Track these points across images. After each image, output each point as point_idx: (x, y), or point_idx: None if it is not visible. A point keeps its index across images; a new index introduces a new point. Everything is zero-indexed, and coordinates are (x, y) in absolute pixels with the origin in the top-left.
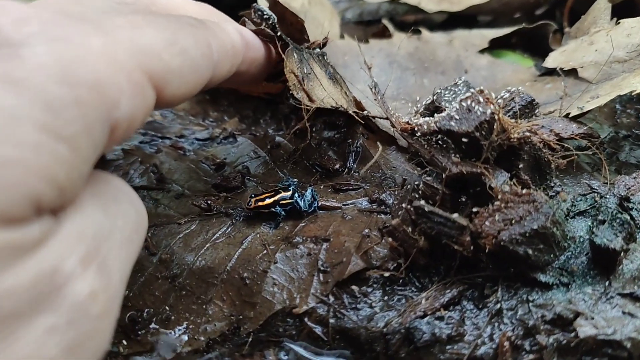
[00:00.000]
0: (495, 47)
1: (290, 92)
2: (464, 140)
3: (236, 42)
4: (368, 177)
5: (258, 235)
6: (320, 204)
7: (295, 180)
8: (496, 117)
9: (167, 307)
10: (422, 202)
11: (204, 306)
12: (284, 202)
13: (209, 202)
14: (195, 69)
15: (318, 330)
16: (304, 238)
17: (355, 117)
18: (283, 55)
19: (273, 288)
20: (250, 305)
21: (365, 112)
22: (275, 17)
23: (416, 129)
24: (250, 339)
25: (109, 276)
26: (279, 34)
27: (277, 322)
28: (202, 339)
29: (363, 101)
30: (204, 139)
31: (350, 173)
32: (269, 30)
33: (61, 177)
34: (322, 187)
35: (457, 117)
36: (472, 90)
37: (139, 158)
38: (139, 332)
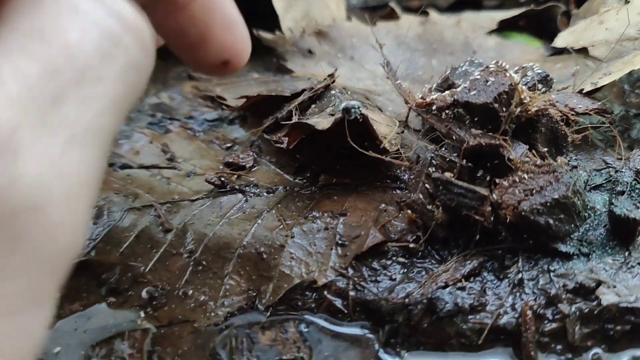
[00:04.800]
0: (503, 29)
1: None
2: (482, 111)
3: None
4: None
5: (274, 211)
6: (334, 180)
7: None
8: (516, 88)
9: (184, 283)
10: (446, 173)
11: (221, 281)
12: None
13: (222, 179)
14: None
15: (338, 302)
16: (321, 213)
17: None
18: None
19: (291, 262)
20: (268, 280)
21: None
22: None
23: (432, 103)
24: (268, 313)
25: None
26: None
27: (295, 295)
28: (220, 313)
29: (371, 82)
30: (213, 120)
31: None
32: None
33: None
34: (337, 167)
35: (475, 89)
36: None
37: (150, 139)
38: (157, 307)
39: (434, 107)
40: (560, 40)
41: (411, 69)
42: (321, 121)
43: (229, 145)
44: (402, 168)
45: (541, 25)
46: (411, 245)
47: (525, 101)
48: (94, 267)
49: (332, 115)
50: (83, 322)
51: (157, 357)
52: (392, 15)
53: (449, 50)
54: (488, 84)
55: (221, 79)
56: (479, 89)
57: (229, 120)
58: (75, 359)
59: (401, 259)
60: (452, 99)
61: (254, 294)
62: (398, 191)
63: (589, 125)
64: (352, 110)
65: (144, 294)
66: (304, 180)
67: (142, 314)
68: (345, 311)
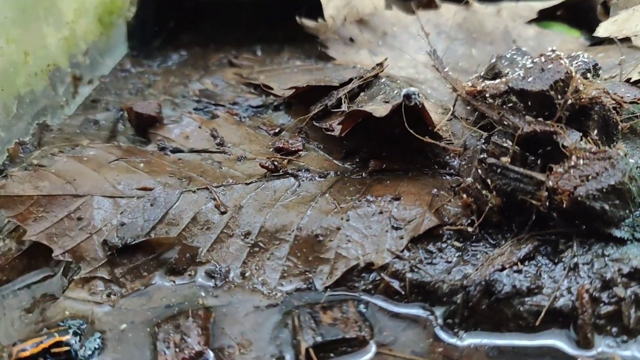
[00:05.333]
0: (542, 19)
1: None
2: (537, 99)
3: None
4: None
5: (327, 195)
6: (384, 165)
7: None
8: (572, 75)
9: (242, 263)
10: (502, 158)
11: (279, 262)
12: (56, 349)
13: (275, 163)
14: None
15: (395, 284)
16: (374, 197)
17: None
18: None
19: (347, 244)
20: (325, 261)
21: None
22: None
23: (484, 90)
24: (327, 294)
25: None
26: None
27: (352, 277)
28: (279, 294)
29: (413, 70)
30: (257, 106)
31: None
32: None
33: None
34: (384, 153)
35: (530, 76)
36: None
37: (199, 124)
38: (217, 287)
39: (486, 95)
40: (602, 30)
41: (451, 58)
42: (378, 108)
43: (276, 131)
44: (451, 154)
45: (579, 15)
46: (468, 229)
47: (580, 89)
48: (153, 247)
49: (387, 102)
50: (145, 301)
51: (220, 336)
52: (431, 4)
53: (489, 40)
54: (544, 72)
55: (262, 66)
56: (535, 77)
57: (274, 106)
58: (140, 335)
59: (456, 243)
60: (506, 86)
61: (311, 275)
62: (448, 177)
63: (638, 114)
64: (413, 96)
65: (203, 274)
66: (354, 166)
67: (203, 294)
68: (403, 292)
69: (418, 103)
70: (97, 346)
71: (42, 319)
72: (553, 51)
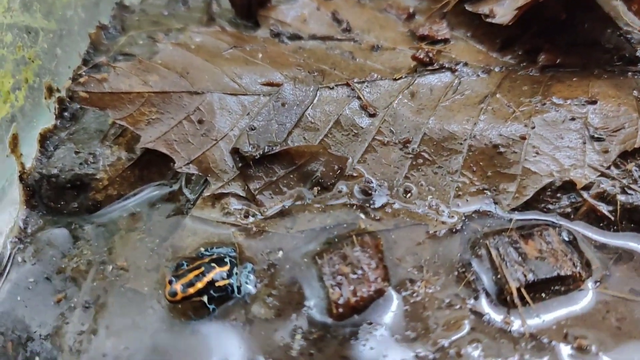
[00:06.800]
0: None
1: None
2: None
3: None
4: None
5: (498, 96)
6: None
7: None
8: None
9: (403, 178)
10: None
11: (450, 177)
12: (219, 283)
13: (430, 55)
14: None
15: (603, 208)
16: (562, 100)
17: None
18: None
19: (536, 157)
20: (509, 178)
21: None
22: None
23: None
24: (514, 218)
25: None
26: None
27: (545, 197)
28: (455, 217)
29: None
30: None
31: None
32: None
33: None
34: (547, 45)
35: None
36: None
37: (316, 5)
38: (376, 208)
39: None
40: None
41: None
42: None
43: (405, 15)
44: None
45: None
46: None
47: None
48: (292, 157)
49: None
50: (291, 223)
51: (396, 268)
52: None
53: None
54: None
55: None
56: None
57: None
58: (297, 267)
59: None
60: None
61: (493, 195)
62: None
63: None
64: None
65: (356, 190)
66: (516, 60)
67: (362, 215)
68: (612, 219)
69: None
70: (250, 280)
71: (170, 244)
72: None
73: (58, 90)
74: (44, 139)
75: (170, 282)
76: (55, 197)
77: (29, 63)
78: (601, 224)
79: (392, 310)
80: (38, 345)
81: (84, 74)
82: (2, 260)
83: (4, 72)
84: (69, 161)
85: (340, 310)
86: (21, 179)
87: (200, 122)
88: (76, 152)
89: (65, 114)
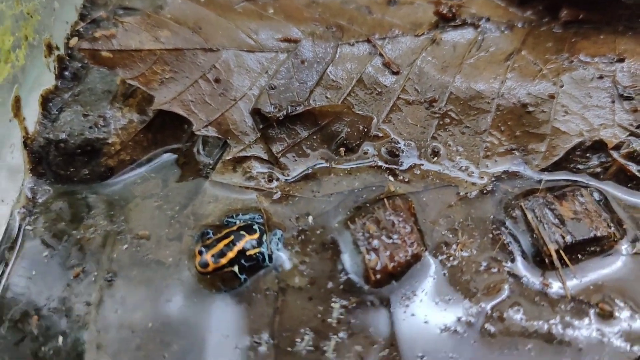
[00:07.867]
0: None
1: None
2: None
3: None
4: None
5: (524, 53)
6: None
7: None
8: None
9: (430, 138)
10: None
11: (479, 137)
12: (250, 252)
13: (453, 9)
14: None
15: (632, 167)
16: (590, 57)
17: None
18: None
19: (565, 117)
20: (538, 138)
21: None
22: None
23: None
24: (544, 178)
25: None
26: None
27: (574, 157)
28: (485, 178)
29: None
30: None
31: None
32: None
33: None
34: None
35: None
36: None
37: None
38: (404, 169)
39: None
40: None
41: None
42: None
43: None
44: None
45: None
46: None
47: None
48: (315, 117)
49: None
50: (316, 187)
51: (430, 232)
52: None
53: None
54: None
55: None
56: None
57: None
58: (327, 233)
59: None
60: None
61: (521, 155)
62: None
63: None
64: None
65: (383, 151)
66: (537, 16)
67: (391, 177)
68: None
69: None
70: (280, 247)
71: (190, 211)
72: None
73: (57, 48)
74: (46, 101)
75: (200, 253)
76: (65, 164)
77: (27, 18)
78: (630, 184)
79: (430, 275)
80: (59, 321)
81: (81, 30)
82: (12, 232)
83: (4, 28)
84: (77, 125)
85: (378, 276)
86: (25, 144)
87: (217, 81)
88: (84, 115)
89: (66, 73)
